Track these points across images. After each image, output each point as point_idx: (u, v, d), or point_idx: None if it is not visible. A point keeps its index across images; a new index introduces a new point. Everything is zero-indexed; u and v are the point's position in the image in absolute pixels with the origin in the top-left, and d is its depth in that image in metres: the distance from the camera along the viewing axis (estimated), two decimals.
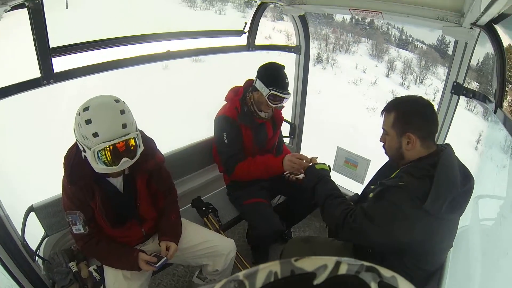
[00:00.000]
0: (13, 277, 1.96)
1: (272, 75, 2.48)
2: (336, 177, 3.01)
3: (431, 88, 24.63)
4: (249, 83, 2.68)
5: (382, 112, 1.75)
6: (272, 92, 2.45)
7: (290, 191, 2.85)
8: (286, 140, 3.38)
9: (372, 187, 1.79)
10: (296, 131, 3.32)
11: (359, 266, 0.38)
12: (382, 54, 29.03)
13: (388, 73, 27.36)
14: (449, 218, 1.61)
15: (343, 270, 0.37)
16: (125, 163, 1.70)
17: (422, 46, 31.61)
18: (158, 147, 2.08)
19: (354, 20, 30.76)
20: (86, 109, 1.62)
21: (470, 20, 1.84)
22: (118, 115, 1.65)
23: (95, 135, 1.60)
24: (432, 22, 2.04)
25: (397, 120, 1.66)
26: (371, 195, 1.69)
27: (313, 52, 24.63)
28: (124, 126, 1.65)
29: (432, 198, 1.48)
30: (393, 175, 1.71)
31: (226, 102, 2.72)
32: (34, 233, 2.24)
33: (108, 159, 1.67)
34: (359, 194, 2.08)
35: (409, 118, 1.64)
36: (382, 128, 1.75)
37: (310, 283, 0.37)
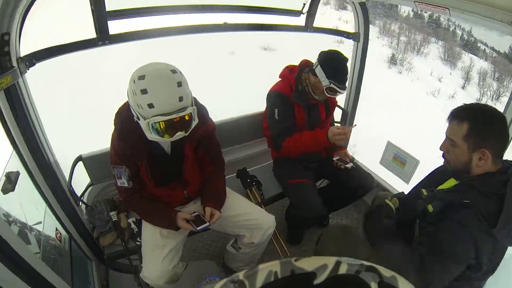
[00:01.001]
0: (57, 218, 2.10)
1: (335, 67, 2.42)
2: (381, 172, 3.03)
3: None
4: (305, 62, 2.67)
5: (450, 118, 1.57)
6: (331, 85, 2.41)
7: (336, 177, 2.82)
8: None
9: (425, 193, 1.64)
10: (348, 117, 3.27)
11: (359, 265, 0.38)
12: (454, 60, 26.64)
13: (464, 84, 24.93)
14: (507, 245, 1.51)
15: (343, 269, 0.38)
16: (179, 135, 1.72)
17: (492, 54, 28.65)
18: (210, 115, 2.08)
19: (413, 14, 28.56)
20: (141, 77, 1.61)
21: None
22: (175, 87, 1.63)
23: (151, 106, 1.61)
24: (505, 26, 1.84)
25: (472, 132, 1.48)
26: (430, 207, 1.54)
27: (385, 51, 23.09)
28: (181, 99, 1.64)
29: (502, 222, 1.37)
30: (449, 186, 1.62)
31: (280, 79, 2.72)
32: (80, 181, 2.38)
33: (162, 131, 1.69)
34: (405, 193, 1.99)
35: (487, 134, 1.47)
36: (448, 136, 1.58)
37: (310, 283, 0.37)
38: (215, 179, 2.20)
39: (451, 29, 28.95)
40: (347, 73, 2.47)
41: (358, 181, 2.73)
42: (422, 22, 28.72)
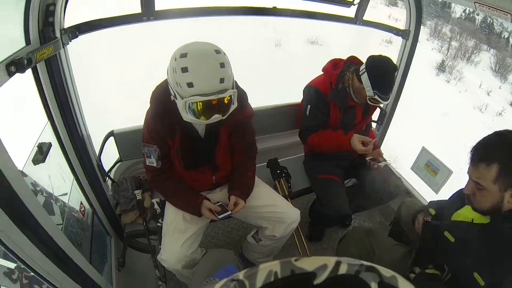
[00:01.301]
0: (83, 191, 2.13)
1: (382, 77, 2.28)
2: (411, 177, 2.94)
3: None
4: (351, 59, 2.55)
5: (474, 160, 1.42)
6: (375, 96, 2.29)
7: (365, 178, 2.73)
8: (373, 125, 3.26)
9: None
10: (386, 118, 3.16)
11: (359, 266, 0.38)
12: (506, 72, 25.15)
13: None
14: None
15: (343, 270, 0.38)
16: (216, 118, 1.68)
17: None
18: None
19: (465, 16, 26.71)
20: (183, 55, 1.57)
21: None
22: (217, 68, 1.57)
23: (190, 85, 1.56)
24: None
25: (503, 173, 1.34)
26: (477, 277, 1.38)
27: (434, 56, 22.10)
28: (222, 80, 1.58)
29: None
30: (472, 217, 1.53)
31: (322, 73, 2.62)
32: (109, 157, 2.40)
33: (199, 112, 1.65)
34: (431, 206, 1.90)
35: None
36: (474, 180, 1.43)
37: (310, 283, 0.37)
38: (245, 167, 2.16)
39: (503, 35, 27.27)
40: (394, 83, 2.36)
41: (386, 185, 2.66)
42: (474, 26, 27.20)
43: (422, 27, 2.90)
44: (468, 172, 1.46)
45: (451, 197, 1.84)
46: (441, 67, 21.07)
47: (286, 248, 2.85)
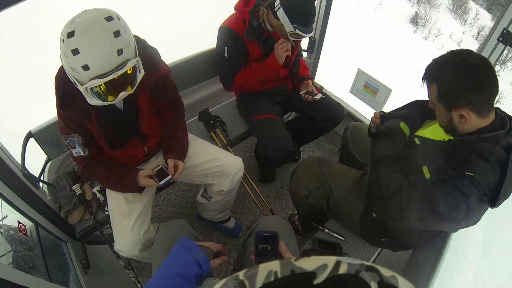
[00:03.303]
0: (17, 209, 1.92)
1: (300, 10, 2.11)
2: (352, 101, 2.92)
3: None
4: None
5: (422, 79, 1.47)
6: (296, 30, 2.14)
7: (304, 109, 2.69)
8: (304, 54, 3.14)
9: (417, 142, 1.57)
10: (316, 45, 3.04)
11: (359, 265, 0.38)
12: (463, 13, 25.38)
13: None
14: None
15: (343, 269, 0.37)
16: (124, 94, 1.49)
17: None
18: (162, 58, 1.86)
19: None
20: (70, 34, 1.31)
21: None
22: (112, 39, 1.34)
23: (85, 68, 1.34)
24: None
25: (441, 93, 1.39)
26: (425, 171, 1.43)
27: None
28: (120, 52, 1.36)
29: (501, 196, 1.32)
30: (443, 138, 1.52)
31: (234, 11, 2.41)
32: (35, 160, 2.19)
33: (104, 93, 1.46)
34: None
35: (456, 92, 1.36)
36: (429, 99, 1.49)
37: (310, 283, 0.37)
38: (175, 127, 2.04)
39: None
40: (315, 14, 2.18)
41: (328, 113, 2.64)
42: None
43: None
44: None
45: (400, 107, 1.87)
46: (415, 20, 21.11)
47: (240, 197, 2.85)
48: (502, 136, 1.37)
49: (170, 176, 1.85)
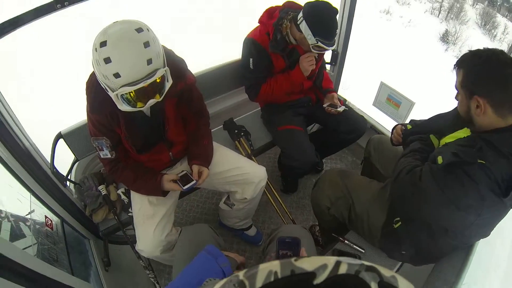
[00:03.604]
0: (45, 204, 2.00)
1: (322, 23, 2.16)
2: (375, 113, 2.93)
3: None
4: (288, 4, 2.41)
5: (454, 67, 1.52)
6: (318, 43, 2.18)
7: (327, 121, 2.72)
8: (327, 67, 3.15)
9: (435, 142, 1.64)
10: (339, 58, 3.06)
11: (359, 265, 0.38)
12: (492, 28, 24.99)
13: None
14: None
15: (343, 269, 0.38)
16: (152, 102, 1.57)
17: None
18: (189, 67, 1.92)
19: None
20: (103, 43, 1.41)
21: None
22: (142, 49, 1.42)
23: (117, 75, 1.42)
24: None
25: (465, 78, 1.44)
26: (440, 159, 1.47)
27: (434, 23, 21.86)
28: (149, 61, 1.44)
29: None
30: (463, 136, 1.54)
31: (259, 24, 2.47)
32: (65, 160, 2.26)
33: (134, 100, 1.53)
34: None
35: (477, 78, 1.40)
36: (455, 86, 1.52)
37: (310, 283, 0.37)
38: (200, 135, 2.09)
39: None
40: (337, 27, 2.22)
41: (351, 125, 2.65)
42: None
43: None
44: None
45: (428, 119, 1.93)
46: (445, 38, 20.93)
47: (263, 206, 2.87)
48: None
49: (194, 181, 1.89)
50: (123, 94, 1.48)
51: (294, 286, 0.38)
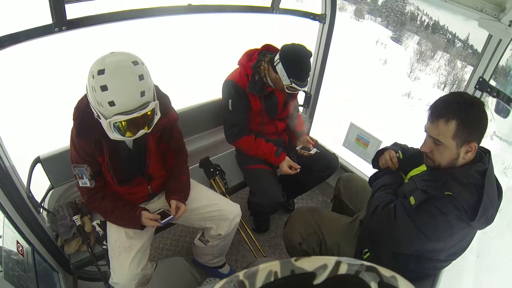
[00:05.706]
0: (17, 229, 1.96)
1: (296, 65, 2.31)
2: (344, 153, 3.05)
3: None
4: (267, 47, 2.56)
5: (433, 117, 1.52)
6: (292, 84, 2.33)
7: (299, 161, 2.76)
8: (300, 109, 3.29)
9: (405, 180, 1.73)
10: (311, 101, 3.23)
11: (359, 266, 0.38)
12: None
13: None
14: (479, 229, 1.56)
15: (343, 270, 0.38)
16: (142, 133, 1.63)
17: None
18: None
19: None
20: (101, 72, 1.48)
21: (510, 17, 1.72)
22: (137, 81, 1.51)
23: (111, 103, 1.50)
24: (469, 11, 1.85)
25: (460, 129, 1.44)
26: (412, 200, 1.55)
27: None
28: (143, 94, 1.53)
29: (480, 214, 1.40)
30: (426, 176, 1.61)
31: (238, 66, 2.59)
32: (40, 185, 2.21)
33: (124, 129, 1.59)
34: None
35: (474, 126, 1.45)
36: (432, 137, 1.53)
37: (310, 283, 0.37)
38: (178, 171, 2.14)
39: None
40: (310, 70, 2.38)
41: (324, 162, 2.76)
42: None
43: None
44: (425, 130, 1.57)
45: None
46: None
47: (235, 245, 2.86)
48: (474, 164, 1.50)
49: (171, 216, 1.93)
50: (115, 123, 1.54)
51: (294, 286, 0.38)
